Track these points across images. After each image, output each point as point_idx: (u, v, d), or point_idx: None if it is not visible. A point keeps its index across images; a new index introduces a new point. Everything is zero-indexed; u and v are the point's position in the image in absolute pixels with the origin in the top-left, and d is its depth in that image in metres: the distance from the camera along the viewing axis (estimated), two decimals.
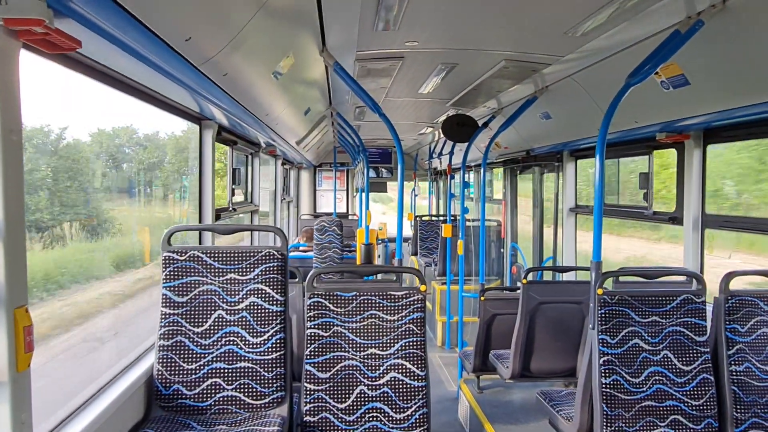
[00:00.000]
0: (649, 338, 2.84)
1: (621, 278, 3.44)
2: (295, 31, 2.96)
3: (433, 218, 10.48)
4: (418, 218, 10.27)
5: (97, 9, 1.50)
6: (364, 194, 6.37)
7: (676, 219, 3.96)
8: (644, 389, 2.79)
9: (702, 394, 2.80)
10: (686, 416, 2.79)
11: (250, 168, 5.60)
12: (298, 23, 2.87)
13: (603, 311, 2.83)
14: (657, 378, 2.81)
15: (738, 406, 2.78)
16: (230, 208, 4.59)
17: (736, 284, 2.90)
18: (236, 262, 2.73)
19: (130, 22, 1.64)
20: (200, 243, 3.77)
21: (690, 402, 2.80)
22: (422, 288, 2.74)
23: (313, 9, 2.72)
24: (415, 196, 12.23)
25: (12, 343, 1.49)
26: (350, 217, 11.06)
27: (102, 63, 2.13)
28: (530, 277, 4.16)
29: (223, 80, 2.65)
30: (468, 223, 6.97)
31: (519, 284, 4.30)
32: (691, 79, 3.00)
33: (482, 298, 4.71)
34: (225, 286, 2.71)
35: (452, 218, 7.27)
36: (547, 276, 6.23)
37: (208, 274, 2.71)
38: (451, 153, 7.89)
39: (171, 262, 2.70)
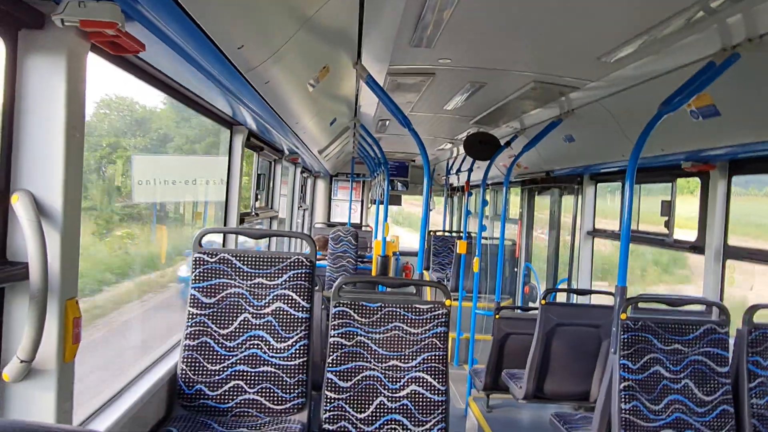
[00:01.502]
0: (671, 366, 2.84)
1: (641, 305, 3.45)
2: (333, 44, 3.02)
3: (447, 234, 10.49)
4: (431, 233, 10.30)
5: (163, 13, 1.56)
6: (382, 206, 6.41)
7: (697, 248, 3.96)
8: (664, 417, 2.79)
9: (722, 425, 2.79)
10: None
11: (272, 174, 5.67)
12: (337, 37, 2.94)
13: (626, 336, 2.83)
14: (677, 406, 2.81)
15: None
16: (253, 213, 4.65)
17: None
18: (265, 267, 2.77)
19: (190, 28, 1.71)
20: (224, 245, 3.82)
21: None
22: (447, 303, 2.76)
23: (354, 23, 2.78)
24: (430, 210, 12.26)
25: (62, 333, 1.53)
26: (364, 228, 11.10)
27: (154, 66, 2.20)
28: (547, 298, 4.16)
29: (263, 87, 2.71)
30: (484, 241, 6.98)
31: (531, 304, 4.30)
32: (721, 109, 3.02)
33: (497, 317, 4.71)
34: (252, 289, 2.75)
35: (468, 235, 7.28)
36: (560, 297, 6.22)
37: (237, 277, 2.75)
38: (470, 170, 7.93)
39: (201, 263, 2.74)
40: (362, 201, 12.30)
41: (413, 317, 2.76)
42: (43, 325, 1.46)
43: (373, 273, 5.44)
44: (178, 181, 3.97)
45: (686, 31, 2.57)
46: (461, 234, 8.63)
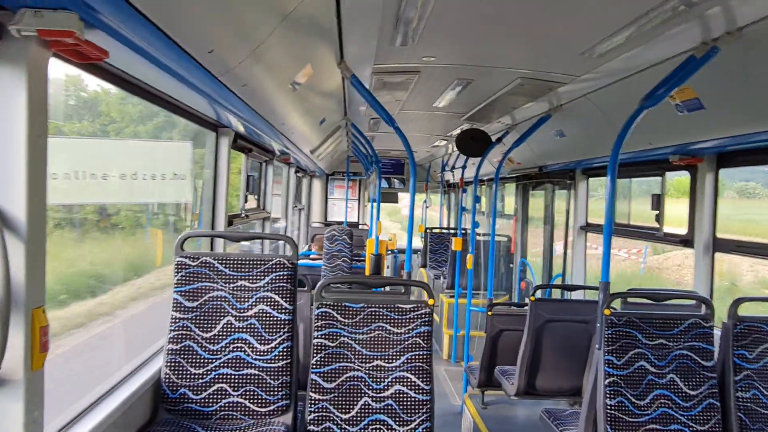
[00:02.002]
0: (656, 361, 2.83)
1: (629, 299, 3.44)
2: (313, 44, 3.01)
3: (444, 231, 10.48)
4: (428, 230, 10.28)
5: (125, 21, 1.55)
6: (375, 204, 6.40)
7: (687, 242, 3.94)
8: (649, 412, 2.78)
9: (708, 419, 2.78)
10: None
11: (263, 175, 5.67)
12: (317, 36, 2.92)
13: (610, 332, 2.82)
14: (662, 401, 2.80)
15: None
16: (243, 215, 4.65)
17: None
18: (247, 270, 2.77)
19: (156, 34, 1.70)
20: (212, 248, 3.82)
21: (695, 427, 2.78)
22: (430, 302, 2.75)
23: (332, 22, 2.77)
24: (427, 208, 12.25)
25: (29, 342, 1.53)
26: (360, 227, 11.10)
27: (126, 72, 2.19)
28: (538, 294, 4.16)
29: (242, 90, 2.70)
30: (478, 238, 6.97)
31: (527, 300, 4.30)
32: (705, 103, 3.01)
33: (489, 313, 4.71)
34: (235, 292, 2.75)
35: (463, 232, 7.26)
36: (556, 293, 6.22)
37: (219, 281, 2.75)
38: (464, 167, 7.92)
39: (183, 267, 2.74)
40: (359, 199, 12.29)
41: (396, 317, 2.75)
42: (7, 335, 1.46)
43: (366, 272, 5.44)
44: (110, 174, 2.97)
45: (668, 25, 2.55)
46: (456, 231, 8.61)
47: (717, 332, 2.94)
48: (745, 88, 2.73)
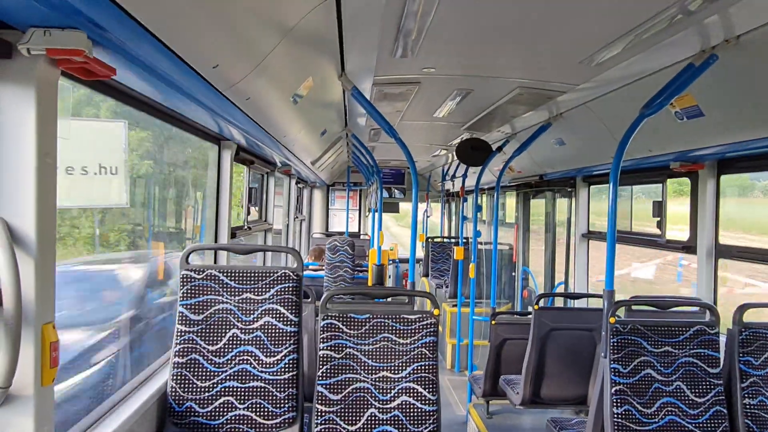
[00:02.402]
0: (662, 368, 2.83)
1: (633, 307, 3.44)
2: (315, 58, 3.04)
3: (445, 240, 10.49)
4: (429, 240, 10.28)
5: (132, 39, 1.57)
6: (377, 215, 6.42)
7: (689, 248, 3.95)
8: (656, 420, 2.78)
9: (715, 426, 2.78)
10: None
11: (265, 187, 5.68)
12: (318, 50, 2.95)
13: (615, 340, 2.83)
14: (669, 409, 2.80)
15: None
16: (246, 227, 4.66)
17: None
18: (252, 282, 2.77)
19: (162, 51, 1.72)
20: (215, 261, 3.83)
21: None
22: (435, 312, 2.76)
23: (334, 36, 2.80)
24: (428, 217, 12.27)
25: (39, 358, 1.54)
26: (362, 237, 11.10)
27: (131, 87, 2.21)
28: (542, 302, 4.16)
29: (245, 104, 2.73)
30: (480, 246, 6.98)
31: (530, 309, 4.29)
32: (705, 110, 3.03)
33: (493, 322, 4.71)
34: (240, 305, 2.76)
35: (464, 241, 7.27)
36: (558, 302, 6.21)
37: (224, 293, 2.76)
38: (465, 176, 7.95)
39: (188, 280, 2.75)
40: (360, 210, 12.31)
41: (402, 328, 2.76)
42: (18, 351, 1.47)
43: (369, 282, 5.44)
44: None
45: (666, 33, 2.58)
46: (458, 240, 8.63)
47: (722, 339, 2.94)
48: (744, 94, 2.76)
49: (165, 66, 1.84)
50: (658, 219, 4.31)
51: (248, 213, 4.75)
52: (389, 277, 9.86)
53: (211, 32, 1.88)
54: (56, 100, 1.57)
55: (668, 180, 4.30)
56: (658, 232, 4.34)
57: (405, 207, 13.08)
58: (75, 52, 1.42)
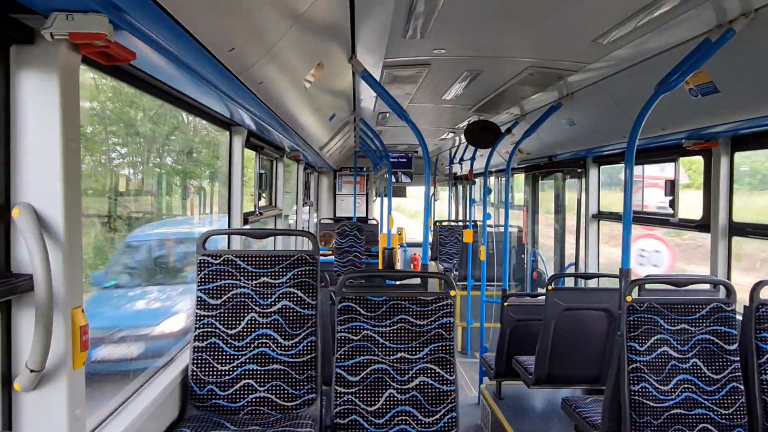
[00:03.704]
0: (678, 346, 2.84)
1: (648, 286, 3.44)
2: (326, 40, 3.02)
3: (453, 223, 10.49)
4: (437, 223, 10.29)
5: (151, 22, 1.57)
6: (386, 199, 6.42)
7: (703, 227, 3.94)
8: (673, 397, 2.79)
9: (732, 403, 2.79)
10: (716, 425, 2.78)
11: (274, 173, 5.69)
12: (330, 32, 2.93)
13: (631, 319, 2.83)
14: (686, 386, 2.81)
15: None
16: (257, 212, 4.67)
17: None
18: (269, 266, 2.79)
19: (179, 34, 1.71)
20: (229, 246, 3.85)
21: (720, 411, 2.79)
22: (452, 293, 2.77)
23: (345, 18, 2.78)
24: (435, 201, 12.26)
25: (69, 342, 1.56)
26: (370, 222, 11.12)
27: (146, 72, 2.21)
28: (554, 283, 4.16)
29: (258, 88, 2.72)
30: (489, 229, 6.98)
31: (540, 290, 4.30)
32: (720, 86, 3.00)
33: (505, 304, 4.72)
34: (258, 289, 2.78)
35: (473, 224, 7.26)
36: (569, 282, 6.22)
37: (242, 278, 2.78)
38: (473, 159, 7.92)
39: (206, 265, 2.77)
40: (367, 194, 12.31)
41: (418, 309, 2.77)
42: (51, 335, 1.49)
43: (380, 266, 5.46)
44: None
45: (681, 9, 2.55)
46: (467, 223, 8.63)
47: (738, 316, 2.94)
48: (760, 69, 2.73)
49: (182, 50, 1.84)
50: (671, 198, 4.29)
51: (259, 199, 4.76)
52: (398, 261, 9.89)
53: (227, 15, 1.88)
54: (78, 85, 1.57)
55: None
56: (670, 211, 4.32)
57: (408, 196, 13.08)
58: (97, 36, 1.42)
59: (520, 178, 8.31)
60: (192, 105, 2.98)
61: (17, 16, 1.42)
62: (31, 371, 1.49)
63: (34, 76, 1.49)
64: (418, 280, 3.19)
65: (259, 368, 2.72)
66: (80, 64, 1.57)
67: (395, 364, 2.75)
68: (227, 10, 1.83)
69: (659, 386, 2.80)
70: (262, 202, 5.17)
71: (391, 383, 2.73)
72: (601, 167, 5.78)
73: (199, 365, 2.70)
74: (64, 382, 1.56)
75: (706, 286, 3.54)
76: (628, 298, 2.84)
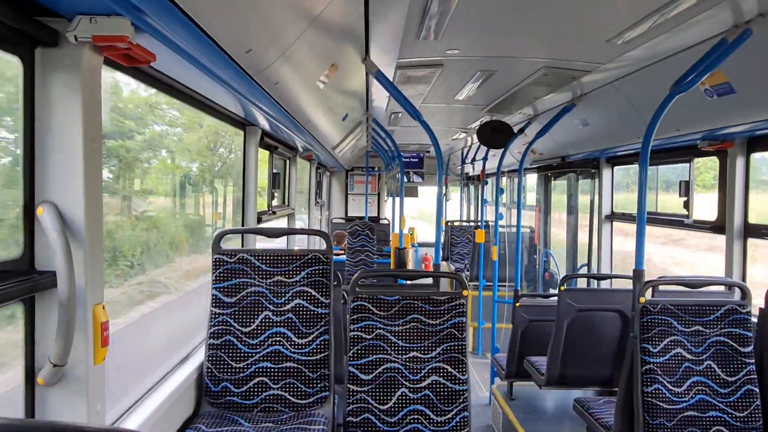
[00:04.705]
0: (692, 348, 2.83)
1: (663, 287, 3.43)
2: (341, 42, 3.04)
3: (464, 224, 10.48)
4: (449, 224, 10.29)
5: (171, 24, 1.60)
6: (398, 199, 6.43)
7: (718, 228, 3.91)
8: (687, 399, 2.78)
9: (746, 405, 2.77)
10: (730, 427, 2.76)
11: (287, 172, 5.73)
12: (344, 33, 2.96)
13: (645, 320, 2.82)
14: (700, 388, 2.80)
15: None
16: (270, 212, 4.71)
17: None
18: (283, 265, 2.82)
19: (198, 36, 1.74)
20: (242, 245, 3.89)
21: (734, 413, 2.77)
22: (464, 293, 2.78)
23: (360, 20, 2.80)
24: (446, 201, 12.25)
25: (90, 338, 1.59)
26: (381, 222, 11.14)
27: (165, 73, 2.25)
28: (566, 284, 4.15)
29: (273, 89, 2.75)
30: (501, 230, 6.96)
31: (552, 291, 4.29)
32: (736, 87, 2.98)
33: (517, 304, 4.72)
34: (272, 288, 2.81)
35: (485, 224, 7.25)
36: (581, 283, 6.19)
37: (256, 276, 2.81)
38: (485, 159, 7.91)
39: (221, 264, 2.80)
40: (378, 194, 12.33)
41: (431, 309, 2.79)
42: (73, 331, 1.52)
43: (392, 266, 5.48)
44: None
45: (697, 9, 2.53)
46: (479, 223, 8.62)
47: (753, 319, 2.92)
48: None
49: (201, 51, 1.87)
50: (685, 199, 4.26)
51: (272, 198, 4.80)
52: (409, 260, 9.90)
53: (244, 17, 1.90)
54: (100, 86, 1.60)
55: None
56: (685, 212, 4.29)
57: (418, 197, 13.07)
58: (119, 39, 1.45)
59: (532, 179, 8.28)
60: (208, 105, 3.02)
61: (42, 19, 1.46)
62: (54, 366, 1.53)
63: (58, 77, 1.52)
64: (429, 280, 3.20)
65: (272, 366, 2.75)
66: (102, 65, 1.60)
67: (408, 363, 2.76)
68: (245, 12, 1.86)
69: (673, 388, 2.78)
70: (275, 202, 5.21)
71: (404, 382, 2.74)
72: (615, 168, 5.76)
73: (214, 362, 2.73)
74: (86, 378, 1.59)
75: (721, 288, 3.51)
76: (642, 300, 2.83)
